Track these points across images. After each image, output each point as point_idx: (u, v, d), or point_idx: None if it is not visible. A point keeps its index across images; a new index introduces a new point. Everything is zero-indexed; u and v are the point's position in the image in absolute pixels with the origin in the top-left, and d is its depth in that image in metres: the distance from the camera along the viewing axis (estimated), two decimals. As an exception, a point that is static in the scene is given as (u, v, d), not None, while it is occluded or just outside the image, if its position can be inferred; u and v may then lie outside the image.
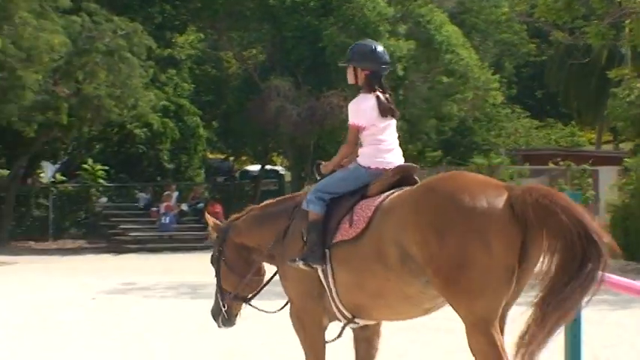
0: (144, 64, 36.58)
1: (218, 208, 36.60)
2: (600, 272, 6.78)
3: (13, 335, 15.19)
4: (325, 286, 8.11)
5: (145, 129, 41.23)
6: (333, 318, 8.33)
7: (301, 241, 8.26)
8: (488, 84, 42.80)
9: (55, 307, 18.77)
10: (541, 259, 7.01)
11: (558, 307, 6.78)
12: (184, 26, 45.16)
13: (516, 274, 6.99)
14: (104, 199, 41.88)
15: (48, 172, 45.79)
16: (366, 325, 8.47)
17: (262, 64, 42.86)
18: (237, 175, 52.54)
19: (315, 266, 8.04)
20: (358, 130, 8.38)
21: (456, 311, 7.18)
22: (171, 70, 43.50)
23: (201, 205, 39.36)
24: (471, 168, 34.98)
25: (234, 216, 9.51)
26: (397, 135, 8.64)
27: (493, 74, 44.33)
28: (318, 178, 8.65)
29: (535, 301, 6.89)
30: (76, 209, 41.56)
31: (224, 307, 9.23)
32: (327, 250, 8.03)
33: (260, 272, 9.31)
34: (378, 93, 8.43)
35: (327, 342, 8.43)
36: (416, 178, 8.25)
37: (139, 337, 15.02)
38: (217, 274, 9.35)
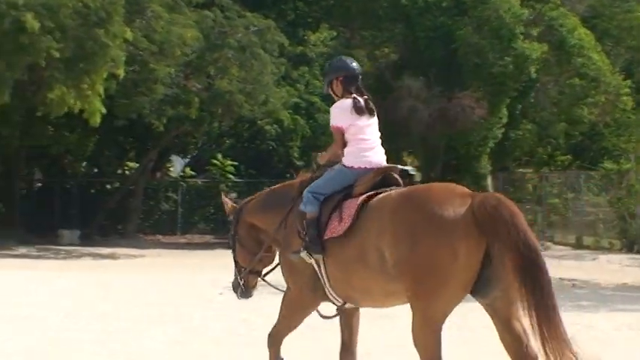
0: (276, 60, 36.04)
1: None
2: (544, 273, 7.50)
3: (141, 329, 14.69)
4: (320, 277, 8.74)
5: (275, 125, 40.51)
6: (314, 307, 9.15)
7: (298, 237, 8.84)
8: (619, 89, 41.12)
9: (182, 302, 18.31)
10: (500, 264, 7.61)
11: (540, 310, 7.41)
12: (317, 24, 44.29)
13: (492, 276, 7.63)
14: (233, 195, 41.25)
15: (177, 166, 45.56)
16: (350, 314, 9.21)
17: (394, 64, 41.76)
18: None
19: (316, 256, 8.64)
20: (339, 130, 9.01)
21: (413, 308, 7.81)
22: (302, 67, 42.67)
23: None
24: (601, 173, 34.20)
25: (248, 198, 10.23)
26: (379, 134, 9.14)
27: (624, 80, 42.59)
28: (315, 165, 9.43)
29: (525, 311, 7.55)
30: (205, 204, 41.20)
31: (241, 280, 10.00)
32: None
33: (271, 250, 9.82)
34: (354, 95, 9.02)
35: (327, 317, 9.22)
36: (397, 177, 8.85)
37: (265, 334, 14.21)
38: (233, 251, 10.10)
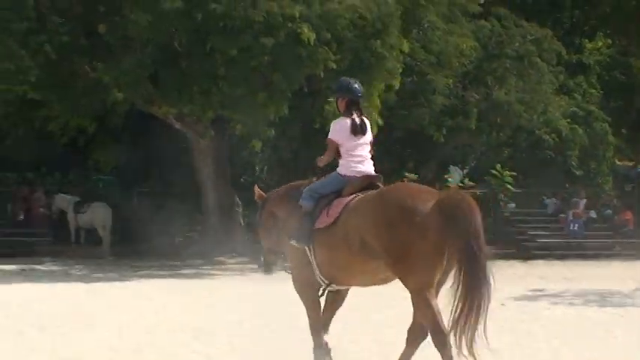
0: (553, 69, 34.33)
1: (628, 215, 34.43)
2: (484, 262, 8.93)
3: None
4: (309, 260, 10.16)
5: (553, 135, 38.49)
6: (317, 282, 10.30)
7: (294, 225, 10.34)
8: None
9: None
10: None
11: (472, 293, 8.80)
12: (593, 32, 42.09)
13: (447, 258, 8.96)
14: (512, 205, 39.71)
15: (456, 176, 44.24)
16: (338, 290, 10.54)
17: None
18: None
19: (304, 246, 10.12)
20: (334, 144, 10.40)
21: (403, 282, 9.19)
22: (579, 76, 40.50)
23: (609, 212, 36.63)
24: None
25: (274, 190, 11.53)
26: (369, 149, 10.45)
27: None
28: (317, 169, 10.98)
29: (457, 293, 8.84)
30: (484, 214, 39.51)
31: (263, 258, 11.52)
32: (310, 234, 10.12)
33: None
34: (354, 116, 10.36)
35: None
36: (379, 184, 10.21)
37: (548, 344, 13.51)
38: (259, 234, 11.50)
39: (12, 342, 13.22)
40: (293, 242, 10.21)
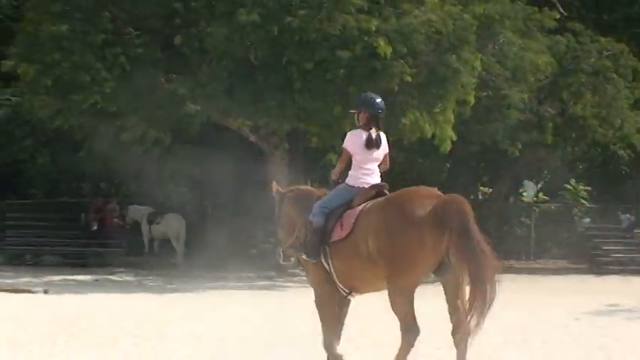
0: (629, 85, 33.64)
1: None
2: (481, 261, 9.30)
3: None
4: (329, 273, 10.47)
5: (628, 150, 37.94)
6: (337, 295, 10.64)
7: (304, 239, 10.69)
8: None
9: (535, 327, 17.08)
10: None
11: (476, 285, 9.29)
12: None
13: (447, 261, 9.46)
14: (587, 220, 39.23)
15: (530, 190, 43.83)
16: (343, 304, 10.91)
17: None
18: None
19: (313, 260, 10.46)
20: (348, 154, 10.65)
21: (389, 280, 9.71)
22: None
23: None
24: None
25: (290, 187, 11.84)
26: (379, 162, 10.73)
27: None
28: (331, 180, 11.05)
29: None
30: (558, 229, 39.15)
31: (281, 253, 12.74)
32: (327, 247, 10.37)
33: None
34: (372, 131, 10.59)
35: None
36: (386, 192, 10.52)
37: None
38: (277, 230, 11.97)
39: (86, 353, 13.22)
40: (303, 256, 10.62)
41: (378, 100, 10.78)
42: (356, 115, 10.78)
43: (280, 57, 26.57)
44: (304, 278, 28.59)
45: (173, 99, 27.62)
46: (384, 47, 25.64)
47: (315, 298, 10.83)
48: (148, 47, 28.23)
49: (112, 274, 29.33)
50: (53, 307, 19.79)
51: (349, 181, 10.61)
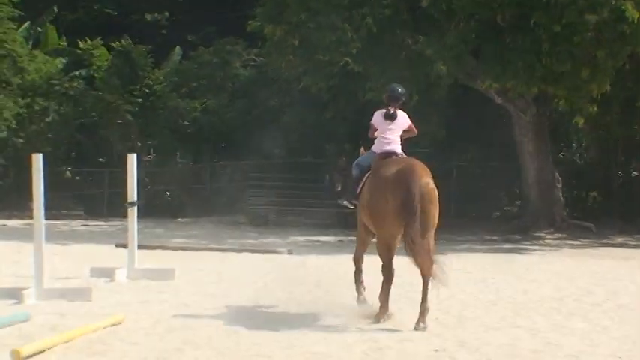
0: None
1: None
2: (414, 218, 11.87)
3: None
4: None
5: None
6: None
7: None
8: None
9: None
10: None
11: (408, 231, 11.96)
12: None
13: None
14: None
15: None
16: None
17: None
18: None
19: (343, 202, 13.85)
20: (373, 127, 13.27)
21: (375, 232, 12.91)
22: None
23: None
24: None
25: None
26: (400, 132, 13.20)
27: None
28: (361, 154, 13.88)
29: None
30: None
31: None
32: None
33: None
34: (390, 107, 13.18)
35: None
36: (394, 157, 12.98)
37: None
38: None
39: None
40: (343, 202, 13.81)
41: (399, 88, 13.46)
42: (384, 97, 13.43)
43: (528, 19, 26.35)
44: (550, 241, 28.62)
45: (420, 60, 27.97)
46: (631, 11, 25.22)
47: (358, 234, 13.78)
48: (395, 8, 28.47)
49: (354, 235, 29.62)
50: (297, 266, 20.18)
51: (374, 148, 13.26)
